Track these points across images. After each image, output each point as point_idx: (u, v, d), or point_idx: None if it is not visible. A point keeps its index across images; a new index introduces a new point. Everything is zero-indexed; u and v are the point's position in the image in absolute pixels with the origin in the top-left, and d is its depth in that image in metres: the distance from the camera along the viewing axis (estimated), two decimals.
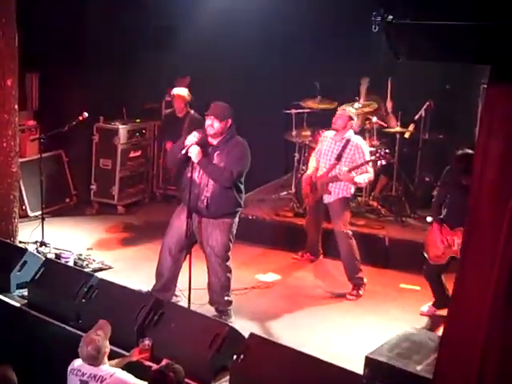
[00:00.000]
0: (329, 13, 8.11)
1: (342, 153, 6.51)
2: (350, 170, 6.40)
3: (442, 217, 5.78)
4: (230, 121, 5.41)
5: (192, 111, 7.85)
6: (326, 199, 6.62)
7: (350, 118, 6.63)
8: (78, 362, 4.18)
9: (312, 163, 6.88)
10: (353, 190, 6.68)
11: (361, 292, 6.40)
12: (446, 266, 5.79)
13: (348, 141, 6.55)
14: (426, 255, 5.94)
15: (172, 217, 5.71)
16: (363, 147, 6.58)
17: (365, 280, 6.47)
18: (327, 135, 6.77)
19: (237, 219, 5.62)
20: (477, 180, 3.57)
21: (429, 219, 6.10)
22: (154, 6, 9.00)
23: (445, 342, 3.83)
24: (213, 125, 5.35)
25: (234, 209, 5.55)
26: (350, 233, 6.49)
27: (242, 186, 5.58)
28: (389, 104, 8.26)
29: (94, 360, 4.08)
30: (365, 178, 6.49)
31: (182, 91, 7.86)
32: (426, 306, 6.09)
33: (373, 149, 7.67)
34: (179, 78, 8.73)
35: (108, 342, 4.19)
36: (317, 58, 8.66)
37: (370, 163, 6.50)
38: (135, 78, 8.78)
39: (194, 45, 8.75)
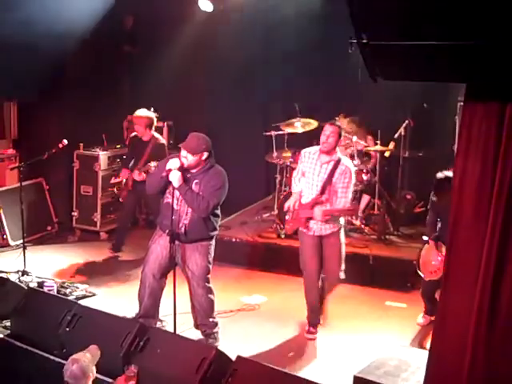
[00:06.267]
0: (306, 34, 8.21)
1: (331, 177, 5.66)
2: (324, 214, 5.61)
3: (436, 234, 5.93)
4: (204, 153, 5.39)
5: (157, 135, 7.74)
6: (318, 231, 5.79)
7: (340, 134, 5.77)
8: None
9: (298, 186, 5.96)
10: (342, 220, 5.91)
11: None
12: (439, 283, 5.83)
13: (337, 163, 5.70)
14: (421, 274, 6.07)
15: (150, 242, 5.71)
16: (353, 173, 5.76)
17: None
18: (309, 151, 5.88)
19: (213, 241, 5.64)
20: (456, 198, 3.61)
21: (425, 238, 6.20)
22: (129, 32, 9.08)
23: (432, 359, 3.84)
24: (187, 157, 5.36)
25: (210, 233, 5.58)
26: (343, 276, 5.85)
27: (218, 211, 5.61)
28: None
29: (77, 380, 4.00)
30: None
31: (140, 112, 7.59)
32: (421, 318, 6.18)
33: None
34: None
35: (95, 367, 4.13)
36: (295, 80, 8.74)
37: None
38: (114, 103, 8.79)
39: (173, 69, 8.81)
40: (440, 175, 5.86)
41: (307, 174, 5.82)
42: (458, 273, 3.59)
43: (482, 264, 3.40)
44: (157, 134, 7.77)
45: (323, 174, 5.71)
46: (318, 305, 5.98)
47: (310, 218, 5.72)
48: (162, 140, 7.77)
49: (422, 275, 6.06)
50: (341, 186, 5.67)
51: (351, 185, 5.75)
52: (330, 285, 6.03)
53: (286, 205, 5.99)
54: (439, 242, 5.86)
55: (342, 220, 5.87)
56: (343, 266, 5.84)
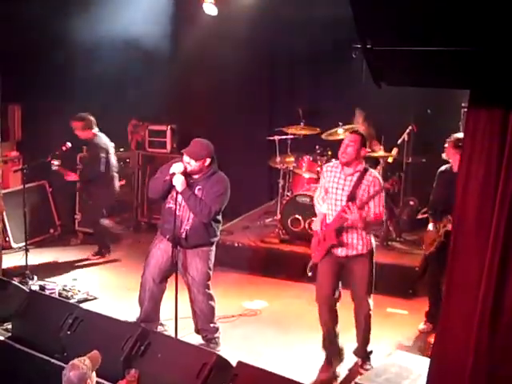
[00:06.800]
0: (311, 40, 8.22)
1: (357, 189, 5.13)
2: (361, 207, 5.04)
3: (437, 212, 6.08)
4: (207, 159, 5.39)
5: (98, 134, 7.81)
6: (346, 250, 5.24)
7: (363, 143, 5.20)
8: None
9: (322, 207, 5.38)
10: (373, 240, 5.34)
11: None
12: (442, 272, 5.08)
13: (363, 173, 5.17)
14: (423, 249, 6.34)
15: (150, 246, 5.71)
16: (381, 181, 5.23)
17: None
18: (331, 165, 5.42)
19: (214, 247, 5.65)
20: (459, 204, 3.60)
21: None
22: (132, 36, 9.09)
23: (434, 366, 3.82)
24: (190, 163, 5.37)
25: (211, 239, 5.58)
26: (372, 304, 5.36)
27: (220, 217, 5.61)
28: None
29: None
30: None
31: (75, 117, 7.74)
32: (423, 325, 6.21)
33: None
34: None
35: (95, 374, 4.12)
36: (299, 84, 8.75)
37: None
38: (119, 107, 8.79)
39: (177, 72, 8.83)
40: (442, 168, 6.14)
41: (330, 190, 5.24)
42: (460, 276, 3.59)
43: (484, 268, 3.39)
44: (99, 133, 7.84)
45: (348, 186, 5.15)
46: (334, 333, 5.38)
47: (341, 230, 5.15)
48: (97, 140, 7.82)
49: (424, 249, 6.26)
50: (372, 199, 5.13)
51: (383, 194, 5.20)
52: (359, 315, 5.44)
53: (313, 227, 5.41)
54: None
55: (373, 241, 5.35)
56: (371, 295, 5.35)
